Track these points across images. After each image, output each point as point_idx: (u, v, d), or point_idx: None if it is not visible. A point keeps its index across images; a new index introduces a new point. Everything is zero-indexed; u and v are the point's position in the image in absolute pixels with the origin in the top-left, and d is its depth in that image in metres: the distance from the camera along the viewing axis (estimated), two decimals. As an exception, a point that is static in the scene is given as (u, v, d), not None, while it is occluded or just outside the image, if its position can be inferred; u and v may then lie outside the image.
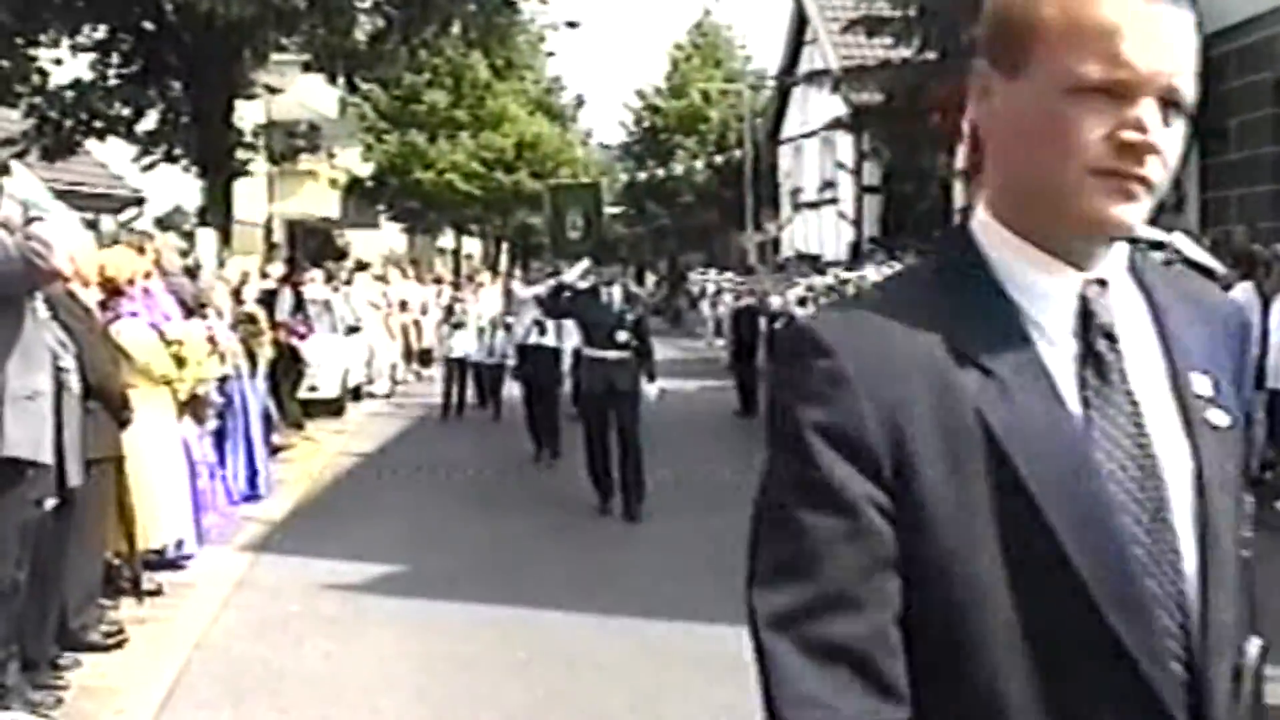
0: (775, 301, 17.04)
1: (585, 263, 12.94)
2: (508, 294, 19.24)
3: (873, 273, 13.85)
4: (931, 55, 22.17)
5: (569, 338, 15.10)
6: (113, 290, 8.66)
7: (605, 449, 11.99)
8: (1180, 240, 8.42)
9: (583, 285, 12.74)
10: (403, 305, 25.16)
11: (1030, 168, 1.56)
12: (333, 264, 24.36)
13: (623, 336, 11.91)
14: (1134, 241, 6.70)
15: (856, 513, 1.49)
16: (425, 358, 25.75)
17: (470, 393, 20.29)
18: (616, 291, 12.29)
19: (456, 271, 39.25)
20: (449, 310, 20.88)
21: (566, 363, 15.58)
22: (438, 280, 24.08)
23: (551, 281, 14.40)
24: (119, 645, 7.67)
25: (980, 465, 1.50)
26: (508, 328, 18.54)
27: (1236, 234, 14.13)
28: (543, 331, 15.33)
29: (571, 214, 13.73)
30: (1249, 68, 18.23)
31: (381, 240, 47.25)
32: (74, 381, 6.95)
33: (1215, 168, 19.26)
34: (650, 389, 12.09)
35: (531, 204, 47.06)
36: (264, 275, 18.63)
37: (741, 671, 6.28)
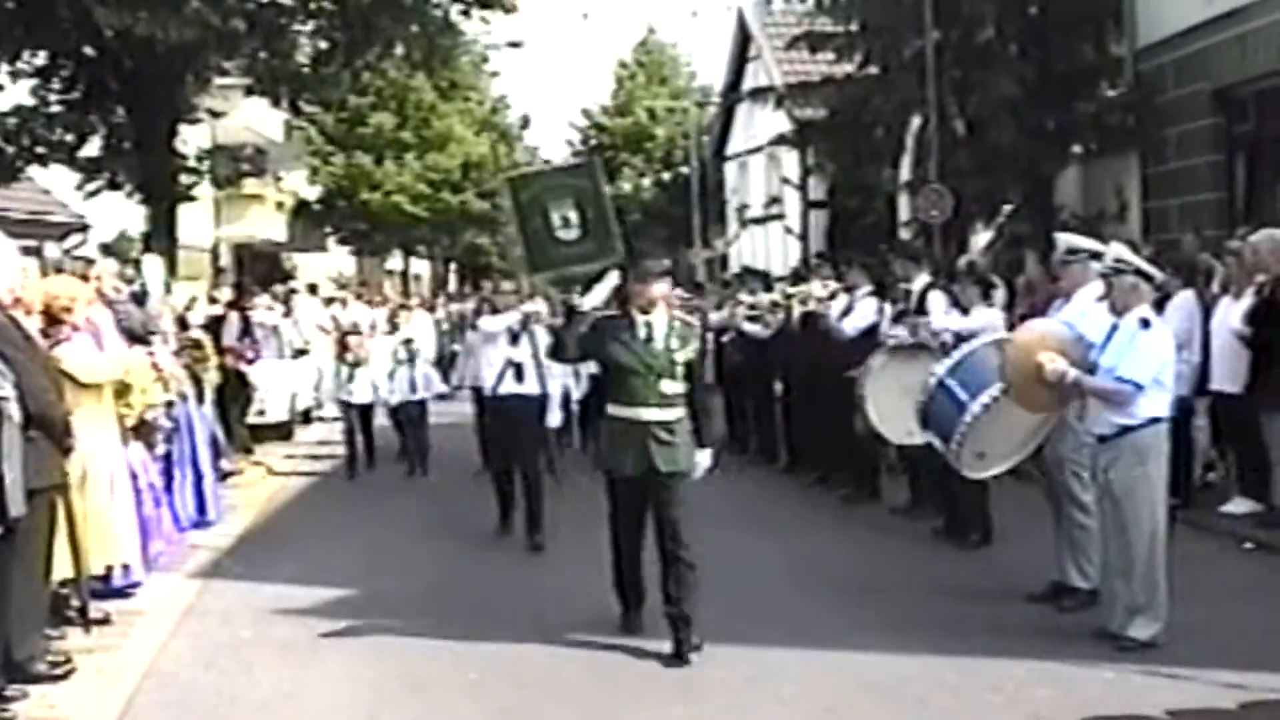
0: (721, 316, 17.04)
1: (614, 278, 8.81)
2: (459, 321, 18.69)
3: (818, 287, 13.84)
4: (874, 70, 22.31)
5: (555, 381, 12.65)
6: (55, 318, 8.58)
7: (636, 554, 8.57)
8: (1119, 249, 8.49)
9: (609, 312, 8.93)
10: (353, 328, 24.87)
11: None
12: (280, 288, 24.18)
13: (670, 387, 8.24)
14: (1073, 252, 6.83)
15: None
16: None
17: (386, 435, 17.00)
18: (659, 320, 8.39)
19: (405, 293, 39.11)
20: (343, 346, 17.12)
21: (555, 417, 12.93)
22: (385, 302, 23.40)
23: (530, 309, 11.88)
24: (66, 675, 7.57)
25: None
26: (443, 362, 17.19)
27: (1185, 242, 14.25)
28: (520, 377, 11.76)
29: (559, 208, 10.65)
30: (1186, 79, 18.44)
31: (329, 263, 47.07)
32: (14, 410, 6.89)
33: (1156, 177, 19.46)
34: (702, 458, 8.50)
35: (479, 224, 47.09)
36: (212, 300, 18.52)
37: (693, 691, 6.37)
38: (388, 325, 20.28)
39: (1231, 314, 11.44)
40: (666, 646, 8.01)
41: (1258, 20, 16.65)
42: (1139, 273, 8.11)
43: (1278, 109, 16.63)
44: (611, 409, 8.40)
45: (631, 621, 8.59)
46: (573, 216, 10.97)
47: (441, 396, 17.50)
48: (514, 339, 11.86)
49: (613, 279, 8.78)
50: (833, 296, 13.47)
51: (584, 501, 10.72)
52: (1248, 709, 6.92)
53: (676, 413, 8.26)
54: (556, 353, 9.07)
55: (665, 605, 8.22)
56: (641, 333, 8.30)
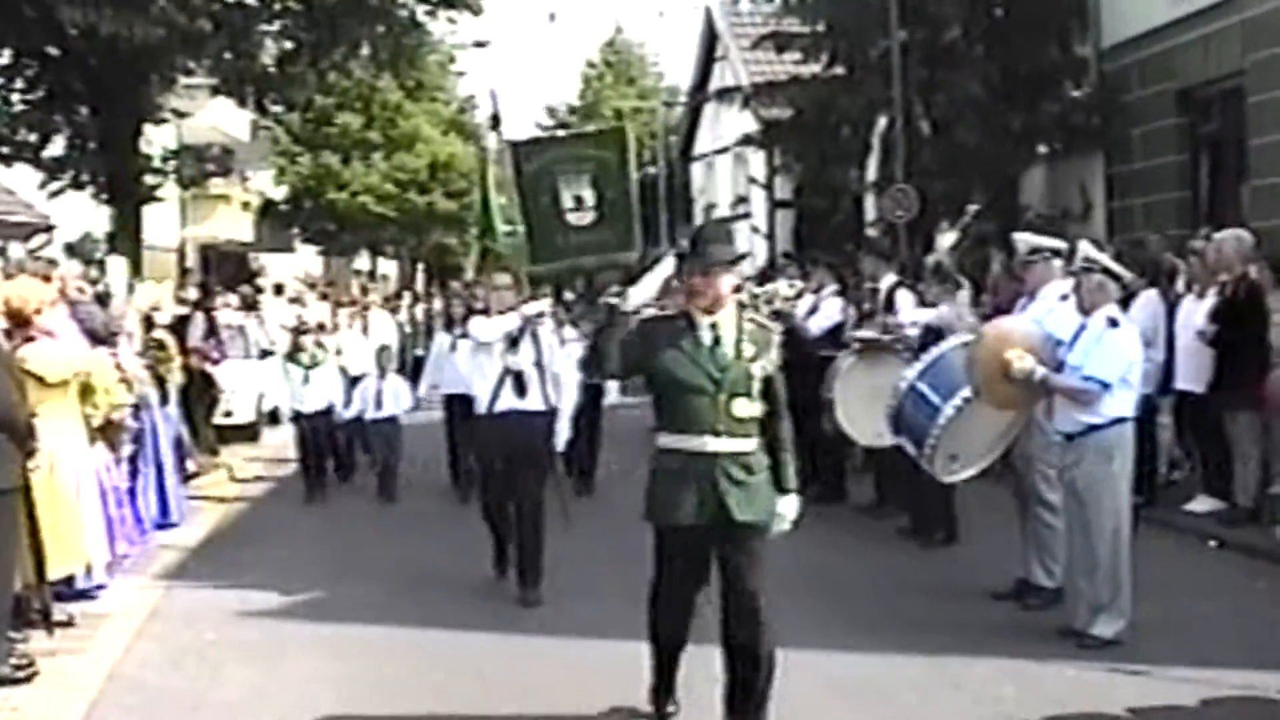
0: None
1: (668, 265, 6.92)
2: (424, 321, 17.76)
3: (785, 287, 13.83)
4: (840, 70, 22.34)
5: (568, 394, 10.35)
6: (20, 321, 8.52)
7: (683, 639, 6.69)
8: (1087, 248, 8.52)
9: (659, 312, 6.99)
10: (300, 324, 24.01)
11: None
12: (247, 288, 24.04)
13: (745, 409, 6.33)
14: (1035, 251, 6.85)
15: None
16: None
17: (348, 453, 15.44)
18: (727, 322, 6.42)
19: (363, 290, 38.96)
20: (295, 345, 14.90)
21: (563, 437, 10.25)
22: (352, 302, 22.55)
23: (532, 308, 9.79)
24: (29, 679, 7.53)
25: None
26: (405, 368, 15.45)
27: (1150, 242, 14.33)
28: (521, 390, 9.64)
29: (571, 185, 9.03)
30: (1151, 79, 18.53)
31: (296, 263, 46.88)
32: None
33: (1120, 177, 19.55)
34: (785, 508, 6.52)
35: (446, 224, 46.96)
36: (179, 301, 18.44)
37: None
38: (358, 326, 18.47)
39: (1195, 313, 11.51)
40: (626, 646, 7.99)
41: (1222, 21, 16.75)
42: (1107, 272, 8.15)
43: (1241, 109, 16.71)
44: (665, 439, 6.42)
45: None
46: (588, 196, 9.39)
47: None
48: (513, 343, 9.68)
49: (666, 267, 6.91)
50: (799, 296, 13.48)
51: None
52: (1210, 705, 6.96)
53: (753, 442, 6.36)
54: (595, 367, 6.75)
55: (728, 684, 6.50)
56: (706, 338, 6.34)
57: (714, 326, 6.38)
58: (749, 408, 6.33)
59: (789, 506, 6.48)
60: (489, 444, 9.88)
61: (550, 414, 9.80)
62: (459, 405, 12.99)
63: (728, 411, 6.28)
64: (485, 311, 10.00)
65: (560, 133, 46.11)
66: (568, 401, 10.26)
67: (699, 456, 6.28)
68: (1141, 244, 14.40)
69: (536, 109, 73.67)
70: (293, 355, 14.72)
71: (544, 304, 10.05)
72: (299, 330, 15.39)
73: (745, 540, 6.31)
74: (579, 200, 9.29)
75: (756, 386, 6.35)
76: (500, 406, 9.68)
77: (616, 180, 9.24)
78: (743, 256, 6.81)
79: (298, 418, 14.60)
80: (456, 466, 14.07)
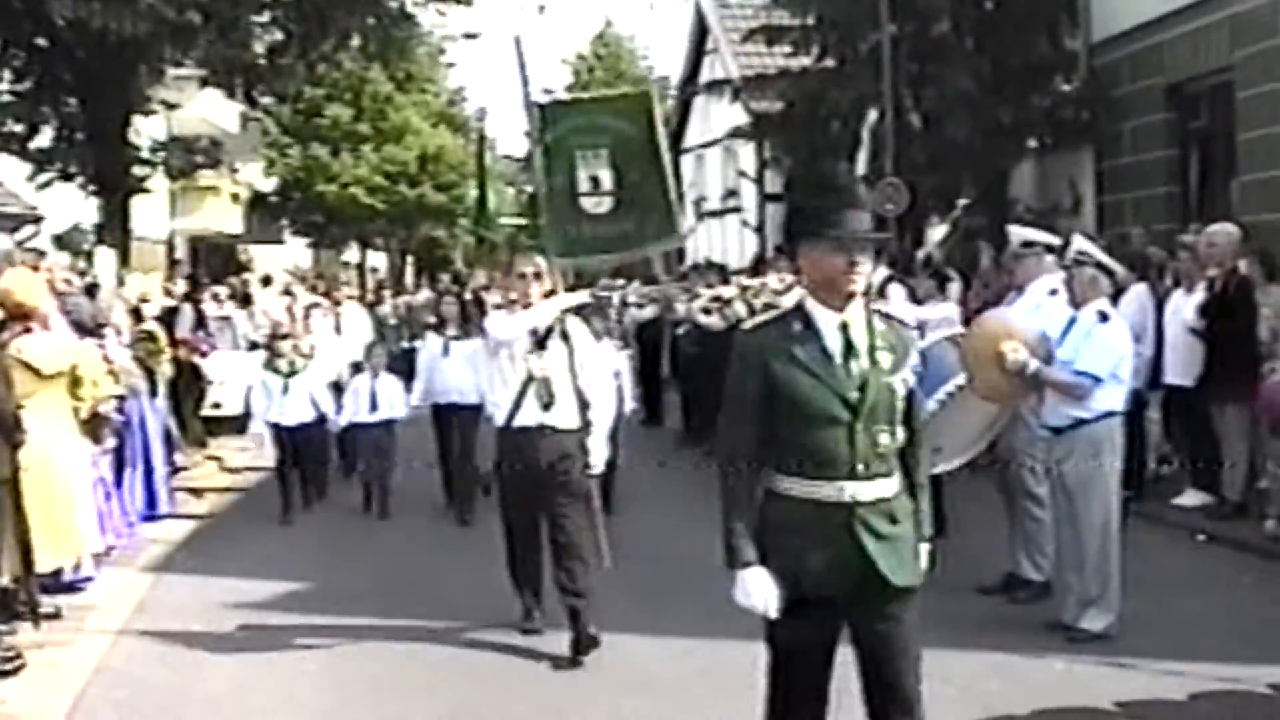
0: (679, 311, 17.03)
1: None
2: (406, 316, 17.18)
3: (774, 281, 13.84)
4: (830, 63, 22.34)
5: (605, 405, 8.41)
6: (19, 313, 8.50)
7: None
8: (1081, 242, 8.52)
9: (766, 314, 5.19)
10: (276, 329, 22.64)
11: None
12: (236, 280, 23.98)
13: (887, 438, 4.60)
14: (1027, 245, 6.84)
15: None
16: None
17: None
18: (857, 320, 4.63)
19: (362, 285, 38.94)
20: (271, 351, 13.61)
21: (600, 455, 8.24)
22: (326, 294, 21.20)
23: (572, 301, 8.35)
24: (16, 671, 7.52)
25: None
26: (399, 363, 14.27)
27: (1134, 236, 14.35)
28: (548, 402, 7.98)
29: (589, 163, 7.69)
30: (1141, 73, 18.52)
31: (286, 255, 46.82)
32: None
33: (1110, 171, 19.56)
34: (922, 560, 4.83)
35: (436, 217, 46.89)
36: (168, 293, 18.40)
37: (647, 684, 6.31)
38: (330, 324, 17.14)
39: (1184, 308, 11.52)
40: (619, 639, 7.98)
41: (1211, 16, 16.75)
42: (1100, 266, 8.15)
43: (1230, 104, 16.71)
44: (784, 483, 4.61)
45: None
46: (605, 178, 7.89)
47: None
48: (540, 344, 8.05)
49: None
50: (789, 290, 13.49)
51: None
52: (1198, 699, 6.97)
53: (896, 483, 4.66)
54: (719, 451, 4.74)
55: None
56: (833, 343, 4.59)
57: (844, 329, 4.60)
58: (892, 436, 4.61)
59: (921, 558, 4.84)
60: (510, 465, 8.17)
61: (583, 430, 8.10)
62: (451, 415, 12.48)
63: (869, 442, 4.56)
64: (494, 307, 8.66)
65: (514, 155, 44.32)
66: (605, 415, 8.36)
67: (833, 508, 4.55)
68: (1127, 239, 14.43)
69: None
70: (270, 362, 13.34)
71: (584, 295, 8.76)
72: (276, 336, 14.05)
73: (896, 613, 4.65)
74: (595, 182, 7.87)
75: (900, 408, 4.65)
76: (522, 420, 8.04)
77: (638, 158, 7.83)
78: (884, 227, 5.06)
79: (276, 430, 13.03)
80: (451, 486, 12.84)
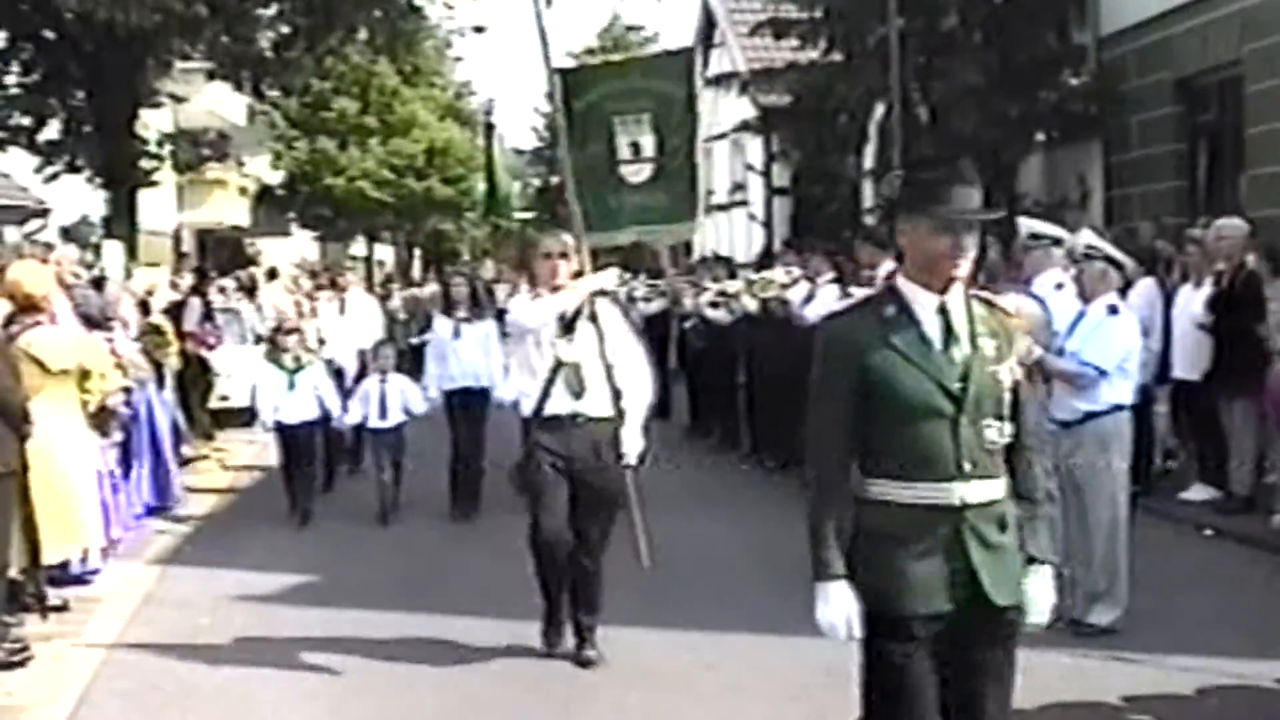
0: (687, 304, 17.02)
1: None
2: (413, 309, 16.82)
3: (782, 274, 13.83)
4: (838, 57, 22.29)
5: (640, 392, 7.82)
6: (28, 306, 8.50)
7: None
8: (1089, 235, 8.50)
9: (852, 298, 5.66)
10: (281, 323, 21.14)
11: None
12: (243, 273, 23.97)
13: (994, 434, 4.11)
14: (1036, 237, 6.81)
15: None
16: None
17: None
18: (956, 305, 4.15)
19: (370, 278, 38.96)
20: (274, 345, 12.98)
21: (634, 446, 7.74)
22: (331, 283, 19.77)
23: (598, 282, 7.82)
24: (23, 663, 7.54)
25: None
26: (409, 354, 13.89)
27: (1142, 230, 14.32)
28: (578, 390, 7.52)
29: (630, 128, 7.17)
30: (1149, 68, 18.49)
31: (293, 248, 46.85)
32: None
33: (1118, 165, 19.52)
34: (1041, 590, 4.20)
35: (443, 210, 46.90)
36: (175, 286, 18.40)
37: (653, 677, 6.29)
38: (335, 307, 16.26)
39: (1192, 302, 11.51)
40: (621, 635, 7.98)
41: (1220, 10, 16.71)
42: (1109, 260, 8.14)
43: (1239, 99, 16.68)
44: (878, 487, 4.13)
45: None
46: (646, 144, 7.33)
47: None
48: (568, 328, 7.56)
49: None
50: (795, 283, 13.48)
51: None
52: (1205, 694, 6.96)
53: (1004, 485, 4.16)
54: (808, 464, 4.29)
55: None
56: (931, 329, 4.14)
57: (943, 312, 4.15)
58: (999, 433, 4.14)
59: (1043, 589, 4.19)
60: (538, 462, 7.60)
61: (617, 419, 7.65)
62: (462, 402, 12.26)
63: (976, 440, 4.08)
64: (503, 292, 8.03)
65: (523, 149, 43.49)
66: (640, 402, 7.80)
67: (940, 512, 4.06)
68: (1134, 233, 14.41)
69: (534, 95, 73.54)
70: (274, 357, 12.68)
71: (613, 274, 8.26)
72: (281, 330, 13.30)
73: (998, 636, 4.15)
74: (636, 149, 7.35)
75: (1007, 400, 4.16)
76: (552, 409, 7.58)
77: (680, 123, 7.32)
78: (993, 207, 4.86)
79: (280, 428, 12.48)
80: (457, 479, 12.47)
